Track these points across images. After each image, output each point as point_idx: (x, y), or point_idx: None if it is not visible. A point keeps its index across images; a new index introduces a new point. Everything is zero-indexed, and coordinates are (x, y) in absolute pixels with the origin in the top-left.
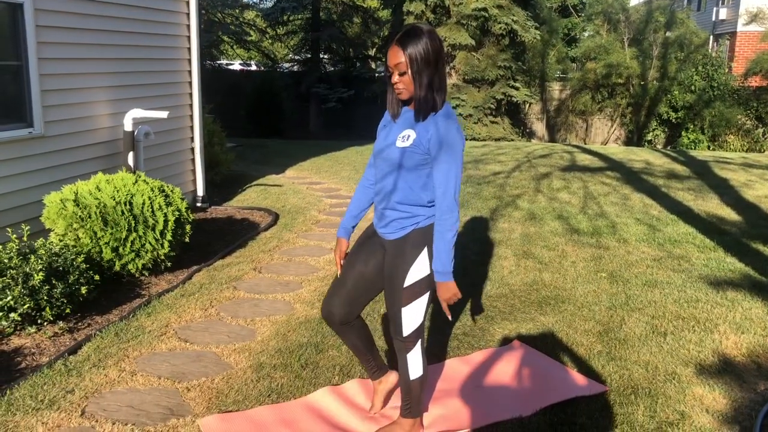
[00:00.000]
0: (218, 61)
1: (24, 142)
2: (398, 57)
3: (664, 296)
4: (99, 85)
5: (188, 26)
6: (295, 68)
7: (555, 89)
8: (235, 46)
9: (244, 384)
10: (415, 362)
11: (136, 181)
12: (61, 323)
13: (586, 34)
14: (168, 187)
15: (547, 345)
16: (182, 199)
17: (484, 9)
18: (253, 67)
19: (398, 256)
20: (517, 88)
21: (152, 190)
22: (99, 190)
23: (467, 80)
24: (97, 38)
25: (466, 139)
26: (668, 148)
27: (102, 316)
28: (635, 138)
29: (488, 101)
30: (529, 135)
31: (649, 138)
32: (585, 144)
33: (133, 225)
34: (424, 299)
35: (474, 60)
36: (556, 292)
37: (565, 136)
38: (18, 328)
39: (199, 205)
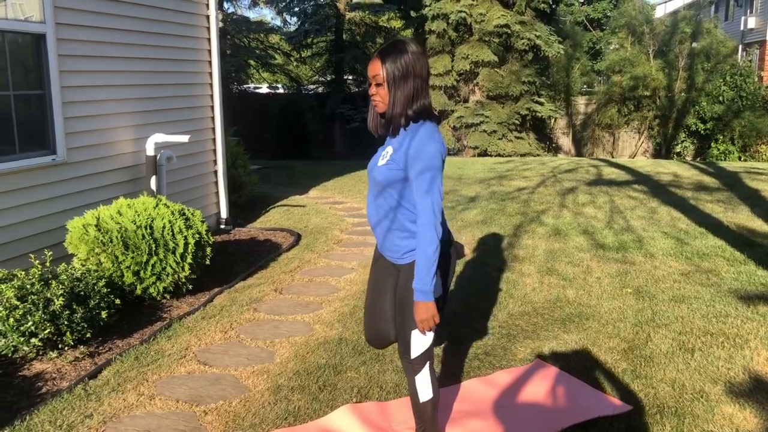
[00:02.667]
0: (246, 85)
1: (47, 169)
2: (376, 69)
3: (692, 312)
4: (121, 111)
5: (209, 51)
6: (320, 90)
7: (580, 103)
8: (261, 70)
9: (262, 407)
10: (424, 384)
11: (157, 205)
12: (82, 347)
13: (612, 47)
14: (189, 210)
15: (570, 363)
16: (203, 221)
17: (506, 25)
18: (281, 90)
19: (410, 278)
20: (541, 103)
21: (173, 213)
22: (120, 215)
23: (491, 96)
24: (118, 65)
25: (491, 155)
26: (698, 159)
27: (123, 340)
28: (663, 150)
29: (513, 117)
30: (556, 150)
31: (678, 150)
32: (612, 158)
33: (153, 248)
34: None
35: (497, 76)
36: (580, 309)
37: (591, 150)
38: (40, 353)
39: (222, 227)
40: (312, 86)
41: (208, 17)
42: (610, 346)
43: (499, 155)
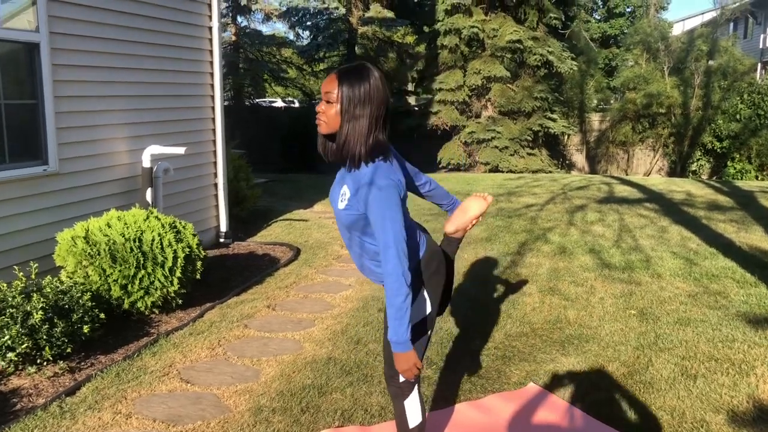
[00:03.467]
0: (262, 99)
1: (39, 180)
2: (331, 86)
3: (697, 335)
4: (117, 122)
5: (211, 63)
6: None
7: (595, 120)
8: (273, 84)
9: (240, 428)
10: (413, 409)
11: (148, 218)
12: (62, 363)
13: (629, 63)
14: (180, 223)
15: (566, 388)
16: (194, 235)
17: (519, 41)
18: (297, 104)
19: None
20: (554, 120)
21: (163, 226)
22: (109, 227)
23: (503, 112)
24: (115, 76)
25: (502, 171)
26: (714, 178)
27: (106, 356)
28: (678, 168)
29: (525, 133)
30: (569, 167)
31: (694, 168)
32: (626, 175)
33: (141, 262)
34: (423, 341)
35: (509, 92)
36: (581, 331)
37: (606, 167)
38: (18, 367)
39: (222, 240)
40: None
41: (210, 29)
42: (608, 370)
43: (510, 171)
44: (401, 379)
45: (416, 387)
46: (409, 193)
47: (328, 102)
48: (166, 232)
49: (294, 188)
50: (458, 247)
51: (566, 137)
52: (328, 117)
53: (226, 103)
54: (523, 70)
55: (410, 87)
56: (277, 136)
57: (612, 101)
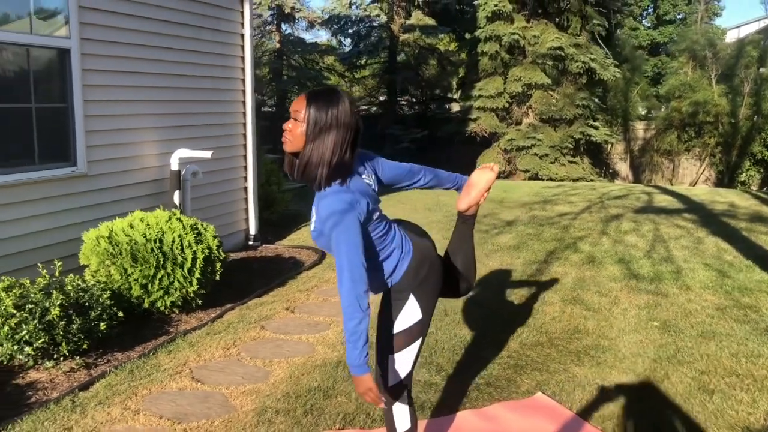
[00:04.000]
0: None
1: (67, 181)
2: (300, 106)
3: (720, 349)
4: (146, 126)
5: (243, 69)
6: (373, 110)
7: (639, 128)
8: None
9: (242, 428)
10: (401, 414)
11: (170, 219)
12: (78, 358)
13: (676, 71)
14: (202, 225)
15: (575, 399)
16: (215, 237)
17: (560, 48)
18: None
19: (386, 305)
20: (596, 128)
21: (184, 228)
22: (132, 228)
23: (544, 120)
24: (144, 81)
25: (542, 179)
26: (764, 189)
27: (123, 353)
28: (726, 179)
29: (566, 141)
30: (612, 176)
31: (743, 179)
32: (671, 185)
33: (161, 262)
34: (414, 347)
35: (551, 99)
36: (598, 342)
37: (650, 177)
38: (37, 361)
39: (251, 243)
40: (365, 107)
41: (242, 36)
42: (621, 383)
43: (550, 179)
44: (390, 383)
45: (406, 392)
46: (419, 189)
47: (295, 120)
48: (186, 234)
49: None
50: (474, 225)
51: (610, 146)
52: (293, 135)
53: (269, 109)
54: (564, 77)
55: (450, 94)
56: None
57: (661, 109)
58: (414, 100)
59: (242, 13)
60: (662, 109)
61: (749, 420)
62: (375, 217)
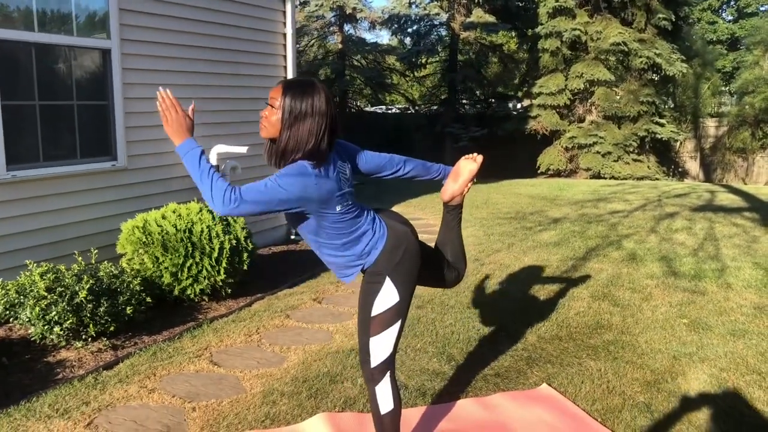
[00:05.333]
0: (378, 106)
1: (107, 174)
2: (276, 94)
3: (747, 348)
4: None
5: (285, 67)
6: (434, 108)
7: (710, 126)
8: (378, 91)
9: (246, 408)
10: (384, 395)
11: (200, 211)
12: (106, 340)
13: (750, 65)
14: (232, 217)
15: (582, 392)
16: (243, 228)
17: (623, 43)
18: (398, 110)
19: (363, 288)
20: (662, 125)
21: (213, 219)
22: (164, 218)
23: (607, 117)
24: (182, 79)
25: (605, 178)
26: None
27: (150, 336)
28: None
29: (630, 138)
30: (681, 175)
31: None
32: (745, 184)
33: (190, 251)
34: (394, 329)
35: (614, 96)
36: (620, 337)
37: (722, 176)
38: (69, 341)
39: (292, 237)
40: (426, 106)
41: (284, 35)
42: (634, 377)
43: (613, 178)
44: (372, 365)
45: (389, 374)
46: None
47: (271, 107)
48: (215, 225)
49: (376, 190)
50: (461, 214)
51: (679, 144)
52: (269, 122)
53: None
54: (629, 73)
55: (511, 92)
56: (372, 142)
57: (730, 105)
58: (475, 98)
59: (284, 12)
60: (734, 105)
61: (764, 419)
62: (342, 202)
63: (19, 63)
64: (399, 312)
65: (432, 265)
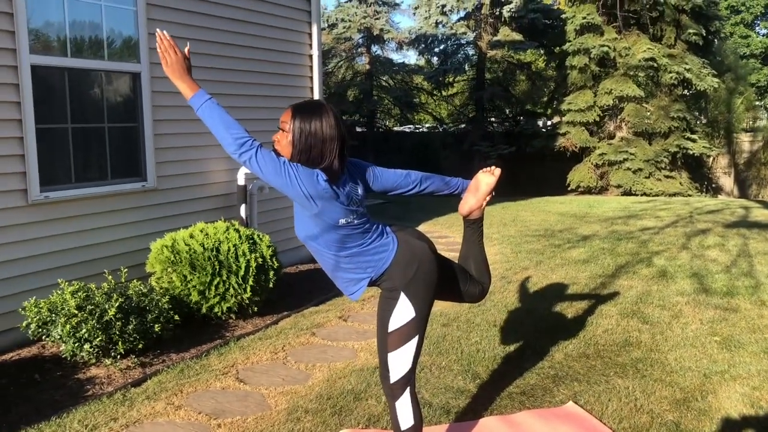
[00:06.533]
0: (407, 125)
1: (137, 194)
2: (286, 118)
3: None
4: (213, 143)
5: (311, 89)
6: (462, 127)
7: (744, 141)
8: (406, 110)
9: (271, 425)
10: (405, 411)
11: (227, 230)
12: (135, 357)
13: None
14: (258, 235)
15: (608, 410)
16: (269, 246)
17: (652, 59)
18: (426, 129)
19: (380, 304)
20: (694, 140)
21: (240, 237)
22: (192, 237)
23: (637, 133)
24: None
25: (636, 195)
26: None
27: (178, 354)
28: None
29: (661, 154)
30: (715, 191)
31: None
32: None
33: (217, 269)
34: (412, 345)
35: (644, 111)
36: (649, 355)
37: (757, 191)
38: (99, 358)
39: None
40: (454, 124)
41: (310, 56)
42: (662, 395)
43: (644, 195)
44: (392, 380)
45: (408, 389)
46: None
47: (282, 131)
48: (242, 243)
49: (404, 209)
50: (482, 228)
51: (712, 159)
52: (281, 146)
53: (362, 129)
54: (659, 88)
55: (540, 109)
56: (399, 160)
57: (765, 120)
58: (503, 115)
59: (310, 35)
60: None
61: None
62: (347, 216)
63: (53, 87)
64: (416, 327)
65: (454, 280)
